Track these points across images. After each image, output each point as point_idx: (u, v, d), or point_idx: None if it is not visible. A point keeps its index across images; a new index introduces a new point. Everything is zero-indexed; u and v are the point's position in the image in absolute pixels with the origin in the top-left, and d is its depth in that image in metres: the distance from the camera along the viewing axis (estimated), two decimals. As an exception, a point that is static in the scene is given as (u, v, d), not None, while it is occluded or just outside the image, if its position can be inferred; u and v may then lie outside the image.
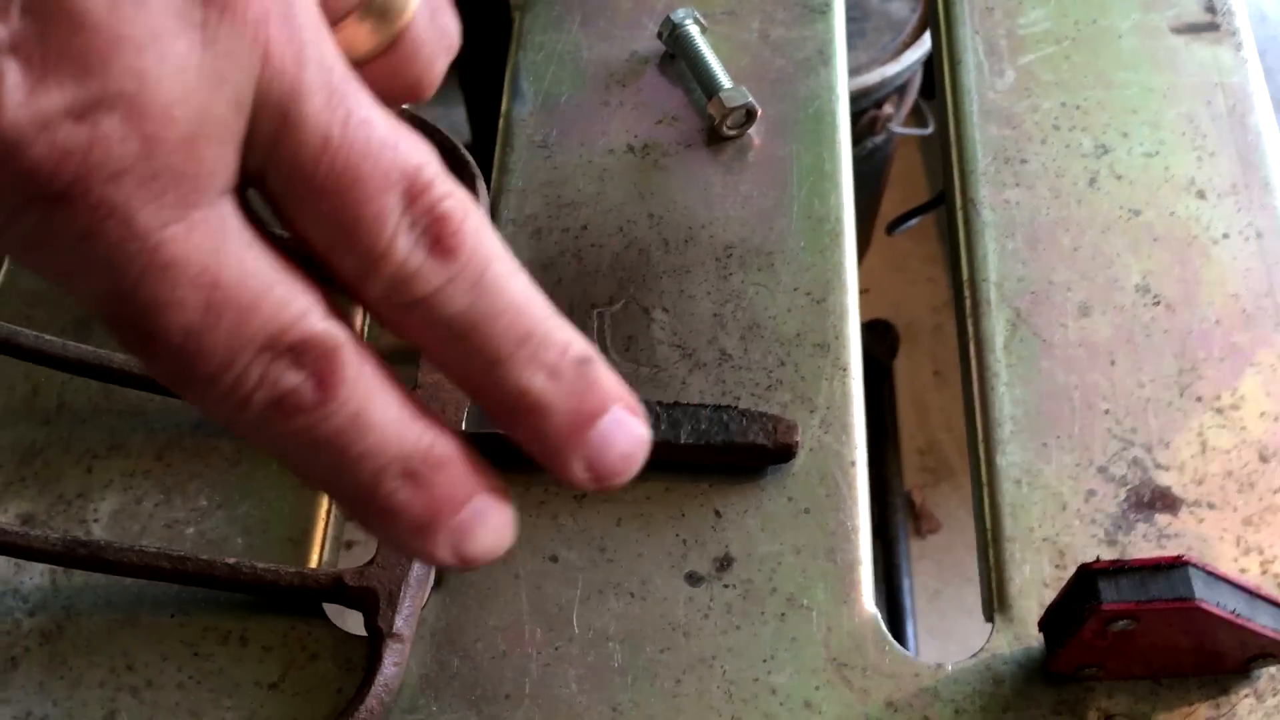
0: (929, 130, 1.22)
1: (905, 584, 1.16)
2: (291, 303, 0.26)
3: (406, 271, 0.27)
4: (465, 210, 0.27)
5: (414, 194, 0.26)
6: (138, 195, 0.23)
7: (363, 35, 0.29)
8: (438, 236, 0.27)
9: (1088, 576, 0.38)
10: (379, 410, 0.27)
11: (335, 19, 0.28)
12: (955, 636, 1.29)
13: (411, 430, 0.28)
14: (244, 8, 0.24)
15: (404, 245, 0.26)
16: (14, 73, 0.22)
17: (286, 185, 0.26)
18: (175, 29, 0.23)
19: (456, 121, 1.25)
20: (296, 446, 0.27)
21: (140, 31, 0.23)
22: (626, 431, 0.30)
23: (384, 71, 0.29)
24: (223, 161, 0.25)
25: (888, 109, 1.18)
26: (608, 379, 0.30)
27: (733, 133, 0.55)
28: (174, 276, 0.24)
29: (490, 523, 0.29)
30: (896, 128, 1.19)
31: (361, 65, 0.28)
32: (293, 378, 0.26)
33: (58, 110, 0.22)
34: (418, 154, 0.27)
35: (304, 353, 0.26)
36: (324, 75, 0.25)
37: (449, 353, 0.28)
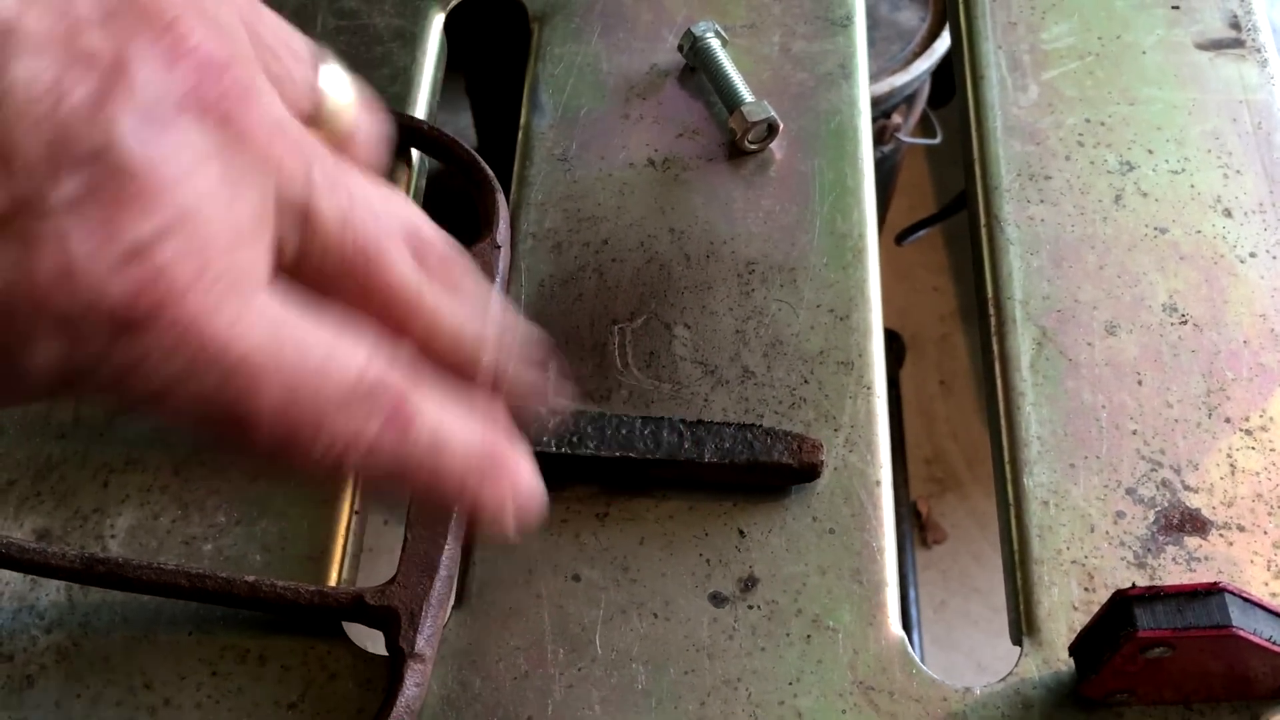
0: (937, 140, 1.22)
1: (911, 595, 1.15)
2: (355, 353, 0.29)
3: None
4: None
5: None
6: (204, 304, 0.27)
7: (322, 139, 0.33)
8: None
9: (1123, 603, 0.37)
10: (449, 421, 0.31)
11: None
12: (961, 648, 1.28)
13: (475, 429, 0.32)
14: (254, 132, 0.28)
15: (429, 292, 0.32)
16: (78, 229, 0.25)
17: (323, 262, 0.30)
18: (201, 160, 0.27)
19: (462, 127, 1.24)
20: (399, 475, 0.31)
21: (175, 169, 0.26)
22: None
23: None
24: (261, 259, 0.28)
25: (896, 118, 1.18)
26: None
27: (754, 147, 0.54)
28: (252, 364, 0.27)
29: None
30: (905, 137, 1.18)
31: None
32: (374, 422, 0.30)
33: (125, 251, 0.25)
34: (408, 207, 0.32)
35: (379, 396, 0.30)
36: (323, 167, 0.30)
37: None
